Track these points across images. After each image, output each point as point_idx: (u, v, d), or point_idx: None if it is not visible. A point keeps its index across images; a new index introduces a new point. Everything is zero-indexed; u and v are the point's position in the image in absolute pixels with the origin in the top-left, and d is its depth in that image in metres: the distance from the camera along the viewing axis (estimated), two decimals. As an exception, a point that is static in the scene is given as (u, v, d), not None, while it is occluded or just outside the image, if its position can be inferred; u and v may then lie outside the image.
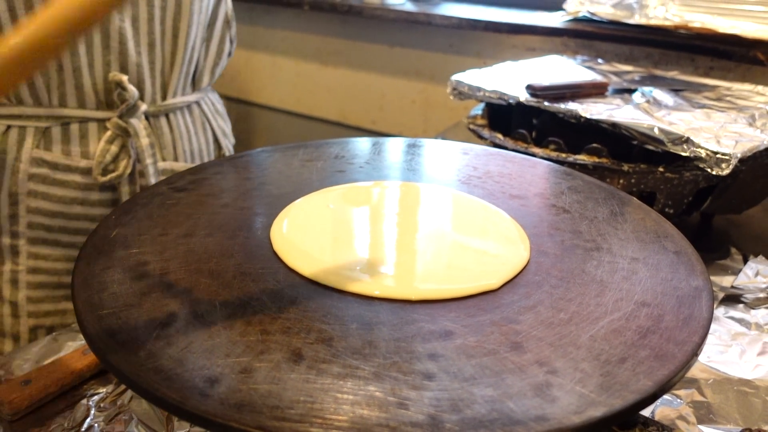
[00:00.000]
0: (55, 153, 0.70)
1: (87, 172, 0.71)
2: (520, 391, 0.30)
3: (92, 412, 0.46)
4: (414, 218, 0.49)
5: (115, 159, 0.71)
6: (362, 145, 0.65)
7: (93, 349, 0.33)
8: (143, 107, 0.72)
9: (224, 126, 0.89)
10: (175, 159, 0.78)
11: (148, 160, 0.73)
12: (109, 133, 0.71)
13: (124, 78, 0.70)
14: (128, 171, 0.72)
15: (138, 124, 0.72)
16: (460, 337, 0.34)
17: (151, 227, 0.46)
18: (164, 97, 0.76)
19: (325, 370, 0.31)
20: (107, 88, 0.70)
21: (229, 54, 0.84)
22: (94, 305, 0.36)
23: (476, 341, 0.34)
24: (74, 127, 0.70)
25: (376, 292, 0.38)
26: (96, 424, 0.45)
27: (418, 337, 0.34)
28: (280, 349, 0.33)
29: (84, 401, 0.47)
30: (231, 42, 0.83)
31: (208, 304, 0.36)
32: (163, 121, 0.76)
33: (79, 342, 0.54)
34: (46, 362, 0.50)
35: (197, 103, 0.82)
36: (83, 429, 0.45)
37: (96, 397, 0.48)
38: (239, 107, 1.84)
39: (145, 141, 0.73)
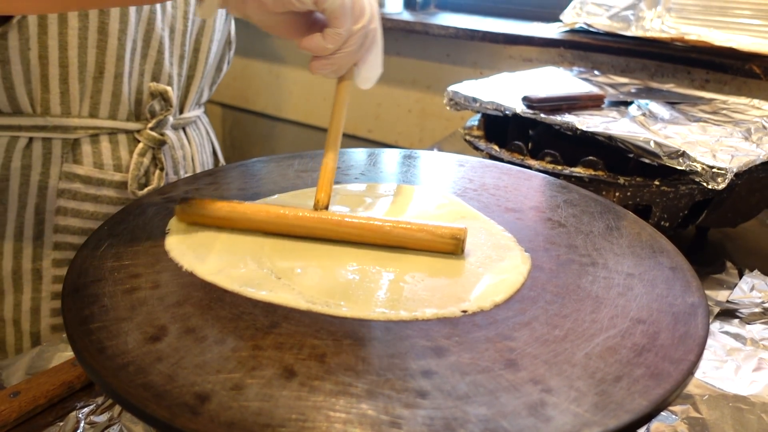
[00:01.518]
0: (87, 167, 0.66)
1: (120, 186, 0.68)
2: (514, 410, 0.30)
3: (82, 424, 0.46)
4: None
5: (146, 172, 0.69)
6: (358, 156, 0.65)
7: (82, 364, 0.32)
8: (171, 120, 0.71)
9: (217, 141, 0.89)
10: (194, 171, 0.77)
11: (182, 171, 0.72)
12: (140, 145, 0.68)
13: (169, 89, 0.68)
14: (161, 184, 0.69)
15: (173, 135, 0.71)
16: (454, 353, 0.34)
17: (143, 238, 0.45)
18: (181, 111, 0.75)
19: (318, 387, 0.31)
20: (138, 99, 0.67)
21: (223, 72, 0.84)
22: (84, 318, 0.35)
23: (470, 358, 0.34)
24: (104, 140, 0.66)
25: (374, 309, 0.38)
26: (85, 437, 0.45)
27: (411, 354, 0.34)
28: (272, 365, 0.32)
29: (73, 413, 0.47)
30: (228, 62, 0.83)
31: (200, 319, 0.36)
32: (182, 134, 0.75)
33: (70, 353, 0.53)
34: (36, 373, 0.50)
35: (200, 117, 0.82)
36: (72, 442, 0.44)
37: (86, 410, 0.47)
38: (235, 114, 1.84)
39: (179, 153, 0.72)
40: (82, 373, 0.48)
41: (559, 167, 0.67)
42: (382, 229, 0.44)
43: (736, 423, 0.46)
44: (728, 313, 0.58)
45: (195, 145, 0.78)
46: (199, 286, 0.39)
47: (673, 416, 0.46)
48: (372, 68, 0.50)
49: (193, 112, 0.77)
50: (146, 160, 0.68)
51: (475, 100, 0.76)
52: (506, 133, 0.75)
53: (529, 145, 0.72)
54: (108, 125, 0.66)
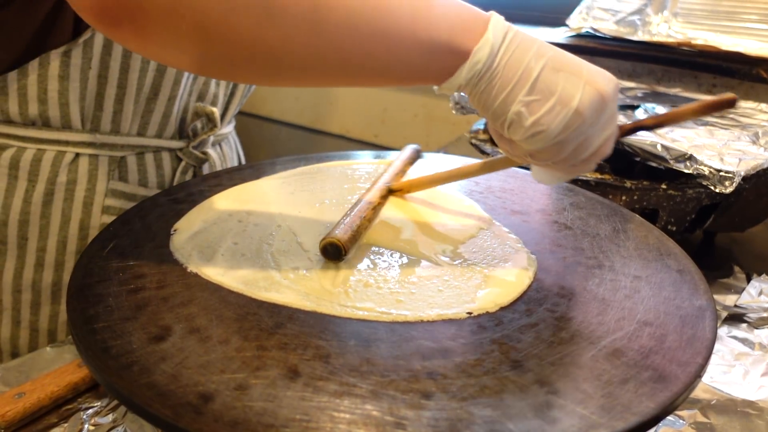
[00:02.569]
0: (132, 184, 0.66)
1: None
2: (520, 411, 0.29)
3: (86, 426, 0.46)
4: (411, 227, 0.48)
5: None
6: (363, 157, 0.65)
7: (86, 363, 0.32)
8: (212, 138, 0.71)
9: (243, 152, 0.89)
10: None
11: None
12: (183, 163, 0.69)
13: (215, 110, 0.68)
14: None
15: (214, 153, 0.72)
16: (459, 355, 0.34)
17: (148, 239, 0.45)
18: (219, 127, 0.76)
19: (322, 387, 0.31)
20: (183, 118, 0.68)
21: (253, 86, 0.84)
22: (89, 318, 0.35)
23: (476, 359, 0.33)
24: (149, 158, 0.67)
25: (379, 310, 0.38)
26: (89, 438, 0.45)
27: (417, 355, 0.34)
28: (277, 366, 0.32)
29: (78, 415, 0.47)
30: None
31: (204, 319, 0.36)
32: (218, 149, 0.76)
33: (76, 354, 0.53)
34: (41, 375, 0.50)
35: (231, 132, 0.82)
36: (76, 443, 0.44)
37: (90, 411, 0.47)
38: (241, 119, 1.84)
39: (220, 170, 0.72)
40: (86, 374, 0.48)
41: (566, 171, 0.66)
42: None
43: (744, 428, 0.45)
44: (736, 318, 0.58)
45: (228, 160, 0.79)
46: (204, 287, 0.39)
47: (681, 421, 0.46)
48: (545, 178, 0.45)
49: (227, 128, 0.78)
50: (188, 178, 0.69)
51: (481, 103, 0.75)
52: (512, 137, 0.75)
53: (535, 148, 0.72)
54: (154, 143, 0.66)
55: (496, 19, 0.39)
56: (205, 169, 0.71)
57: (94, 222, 0.64)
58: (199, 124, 0.69)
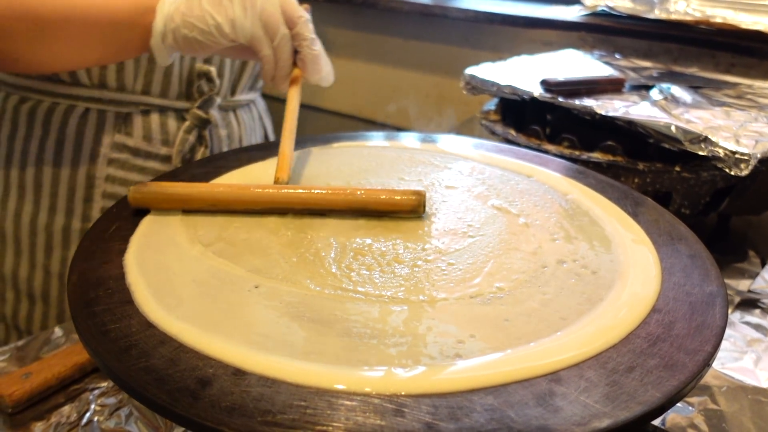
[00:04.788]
0: (137, 138, 0.70)
1: (166, 159, 0.72)
2: (521, 399, 0.29)
3: (92, 406, 0.46)
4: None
5: (192, 149, 0.73)
6: (375, 139, 0.64)
7: (85, 346, 0.32)
8: (218, 100, 0.74)
9: (272, 126, 0.90)
10: None
11: (225, 150, 0.76)
12: (187, 123, 0.72)
13: (212, 69, 0.71)
14: None
15: (217, 115, 0.74)
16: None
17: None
18: (233, 93, 0.78)
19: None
20: (190, 80, 0.71)
21: None
22: (90, 301, 0.35)
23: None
24: (154, 116, 0.71)
25: (377, 293, 0.37)
26: (96, 419, 0.45)
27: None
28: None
29: (84, 395, 0.47)
30: None
31: (205, 302, 0.36)
32: (231, 116, 0.78)
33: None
34: (48, 355, 0.50)
35: (254, 102, 0.84)
36: (83, 423, 0.45)
37: (96, 391, 0.47)
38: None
39: (223, 132, 0.76)
40: (92, 355, 0.48)
41: (577, 152, 0.65)
42: (341, 195, 0.45)
43: (755, 416, 0.44)
44: (750, 303, 0.57)
45: (245, 128, 0.81)
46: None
47: (690, 408, 0.45)
48: (315, 70, 0.63)
49: (245, 96, 0.80)
50: (192, 137, 0.72)
51: (492, 83, 0.74)
52: (524, 118, 0.74)
53: (547, 129, 0.71)
54: (159, 102, 0.71)
55: None
56: (210, 131, 0.74)
57: (99, 173, 0.70)
58: (205, 86, 0.72)
